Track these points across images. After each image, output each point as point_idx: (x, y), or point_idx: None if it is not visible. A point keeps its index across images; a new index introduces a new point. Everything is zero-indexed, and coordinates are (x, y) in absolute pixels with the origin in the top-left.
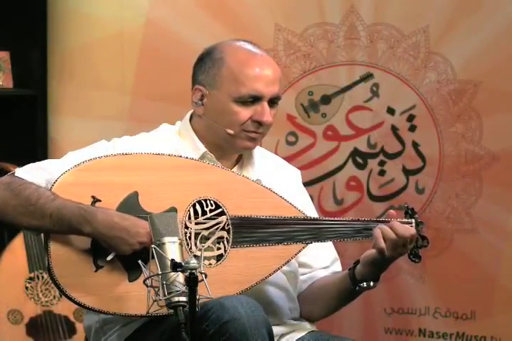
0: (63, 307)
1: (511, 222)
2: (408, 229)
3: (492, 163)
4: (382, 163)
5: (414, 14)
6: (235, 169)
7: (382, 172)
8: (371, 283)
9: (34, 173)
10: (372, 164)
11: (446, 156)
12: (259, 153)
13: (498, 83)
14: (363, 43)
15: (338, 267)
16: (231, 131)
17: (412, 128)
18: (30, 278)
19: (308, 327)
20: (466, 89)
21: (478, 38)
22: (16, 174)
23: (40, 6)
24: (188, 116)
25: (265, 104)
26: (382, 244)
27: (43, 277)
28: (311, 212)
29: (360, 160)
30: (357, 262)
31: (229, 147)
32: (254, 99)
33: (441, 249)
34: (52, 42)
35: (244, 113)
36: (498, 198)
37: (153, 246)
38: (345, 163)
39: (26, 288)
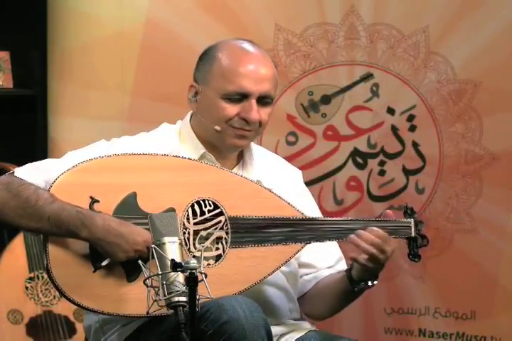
0: (63, 307)
1: (511, 221)
2: (374, 237)
3: (492, 163)
4: (382, 163)
5: (414, 14)
6: (235, 169)
7: (382, 172)
8: (369, 283)
9: (33, 173)
10: (372, 164)
11: (446, 156)
12: (260, 152)
13: (498, 83)
14: (363, 43)
15: (343, 266)
16: (218, 128)
17: (412, 128)
18: (30, 278)
19: (307, 326)
20: (466, 89)
21: (478, 38)
22: (15, 174)
23: (40, 5)
24: (188, 116)
25: (253, 102)
26: (364, 244)
27: (42, 277)
28: (316, 213)
29: (360, 160)
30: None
31: (219, 144)
32: (242, 97)
33: (441, 249)
34: (52, 42)
35: (231, 109)
36: (498, 198)
37: (153, 246)
38: (345, 163)
39: (26, 288)
